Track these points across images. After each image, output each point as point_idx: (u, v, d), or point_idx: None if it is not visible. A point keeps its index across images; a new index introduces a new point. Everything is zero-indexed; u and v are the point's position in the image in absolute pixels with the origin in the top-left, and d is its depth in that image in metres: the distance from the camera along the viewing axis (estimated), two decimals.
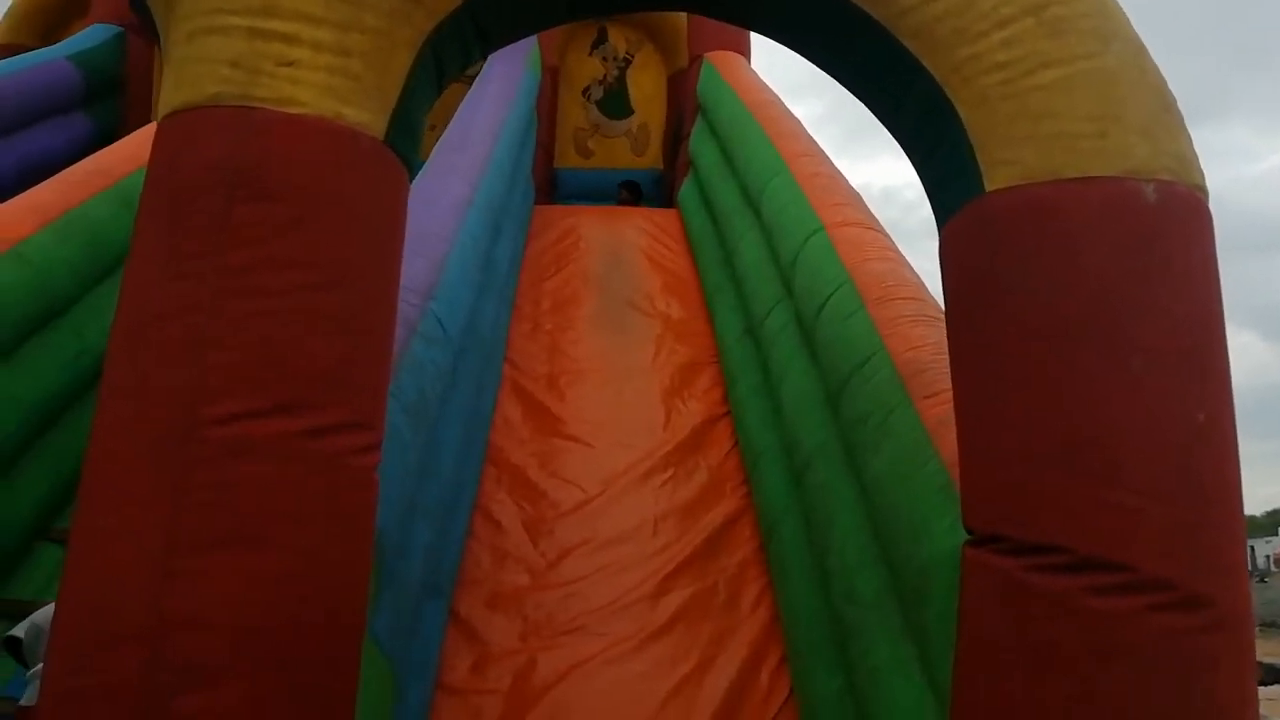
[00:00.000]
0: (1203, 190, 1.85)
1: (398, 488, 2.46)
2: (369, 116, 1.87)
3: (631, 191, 7.55)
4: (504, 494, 4.00)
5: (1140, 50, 1.92)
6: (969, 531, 1.87)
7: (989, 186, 1.87)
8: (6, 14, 8.14)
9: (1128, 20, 1.95)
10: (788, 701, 3.16)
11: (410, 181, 2.05)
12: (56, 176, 4.39)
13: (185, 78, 1.83)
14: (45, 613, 2.47)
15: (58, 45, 7.23)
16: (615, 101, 7.85)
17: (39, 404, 3.83)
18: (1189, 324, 1.76)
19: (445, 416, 3.23)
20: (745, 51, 7.07)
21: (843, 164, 4.89)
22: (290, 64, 1.80)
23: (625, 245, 6.14)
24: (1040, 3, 1.87)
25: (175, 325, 1.73)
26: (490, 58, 6.50)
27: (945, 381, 2.23)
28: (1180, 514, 1.66)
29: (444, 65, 2.08)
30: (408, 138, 2.00)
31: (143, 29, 2.06)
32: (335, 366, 1.78)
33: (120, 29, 7.18)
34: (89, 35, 7.23)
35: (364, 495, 1.81)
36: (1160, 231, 1.77)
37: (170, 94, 1.85)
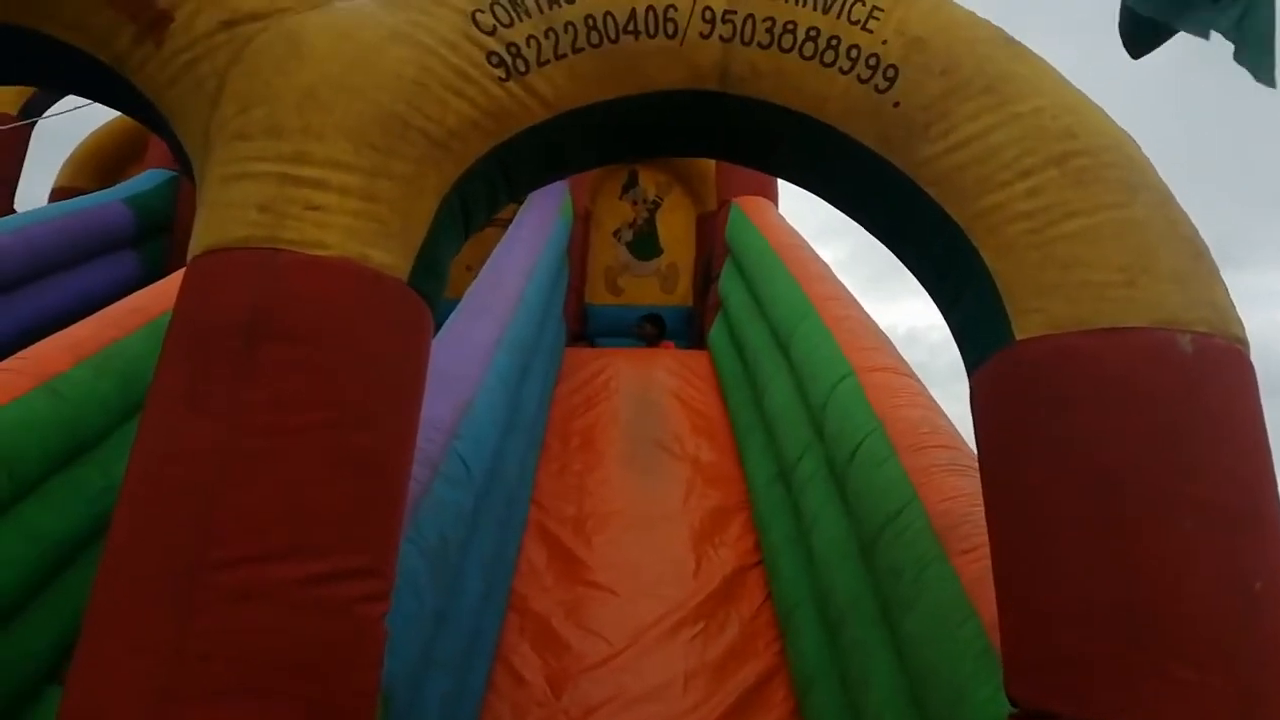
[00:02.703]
0: (1243, 342, 1.79)
1: (412, 636, 2.36)
2: (393, 259, 1.88)
3: (654, 325, 7.34)
4: (526, 645, 3.82)
5: (1168, 199, 1.89)
6: (1013, 704, 1.73)
7: (1019, 335, 1.82)
8: (67, 160, 8.56)
9: (1154, 170, 1.93)
10: None
11: (434, 323, 2.05)
12: (96, 314, 4.43)
13: (215, 220, 1.86)
14: None
15: (113, 188, 7.54)
16: (645, 243, 8.00)
17: (61, 540, 3.76)
18: (1239, 480, 1.67)
19: (466, 561, 3.14)
20: (773, 196, 7.17)
21: (867, 306, 4.85)
22: (317, 208, 1.83)
23: (655, 386, 6.11)
24: (1063, 154, 1.86)
25: (188, 464, 1.69)
26: (524, 204, 6.69)
27: (982, 535, 2.12)
28: (1243, 687, 1.53)
29: (471, 210, 2.10)
30: (432, 280, 2.00)
31: (186, 175, 2.11)
32: (349, 510, 1.73)
33: (173, 174, 7.47)
34: (144, 179, 7.53)
35: (371, 645, 1.72)
36: (1200, 383, 1.70)
37: (200, 236, 1.88)
